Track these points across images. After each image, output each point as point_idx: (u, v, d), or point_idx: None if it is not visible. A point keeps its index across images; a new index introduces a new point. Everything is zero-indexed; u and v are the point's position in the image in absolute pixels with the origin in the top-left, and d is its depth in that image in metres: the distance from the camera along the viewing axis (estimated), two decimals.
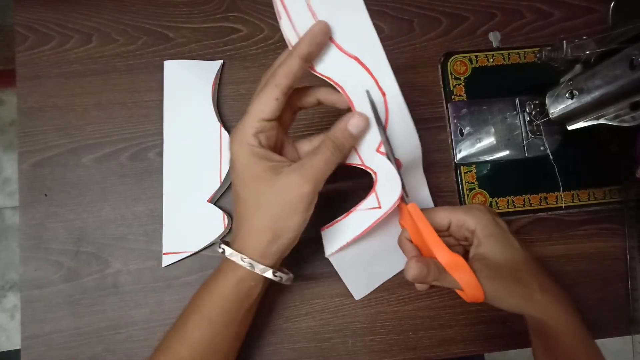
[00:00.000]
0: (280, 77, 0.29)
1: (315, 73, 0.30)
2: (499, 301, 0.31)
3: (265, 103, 0.29)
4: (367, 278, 0.40)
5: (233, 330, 0.32)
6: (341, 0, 0.28)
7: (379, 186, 0.33)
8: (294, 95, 0.32)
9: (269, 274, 0.31)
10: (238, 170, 0.30)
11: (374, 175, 0.33)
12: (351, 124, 0.30)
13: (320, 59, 0.29)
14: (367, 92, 0.30)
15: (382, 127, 0.31)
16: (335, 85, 0.31)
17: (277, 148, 0.32)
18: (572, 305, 0.32)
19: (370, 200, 0.33)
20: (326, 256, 0.35)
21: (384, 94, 0.30)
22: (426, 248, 0.32)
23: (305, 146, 0.34)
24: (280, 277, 0.32)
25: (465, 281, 0.30)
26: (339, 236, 0.35)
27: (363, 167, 0.33)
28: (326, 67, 0.30)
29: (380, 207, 0.33)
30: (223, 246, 0.31)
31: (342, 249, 0.35)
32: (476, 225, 0.32)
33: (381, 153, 0.32)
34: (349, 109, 0.32)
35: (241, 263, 0.30)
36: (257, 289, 0.32)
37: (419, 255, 0.33)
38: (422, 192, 0.41)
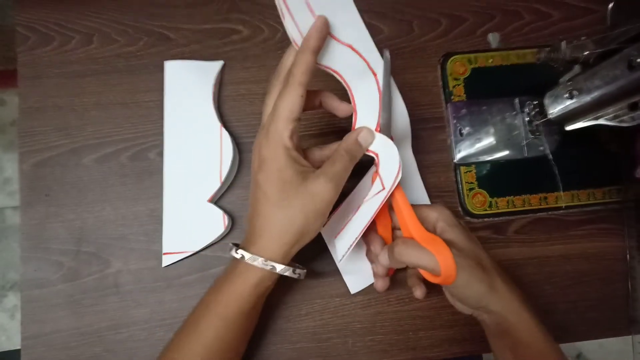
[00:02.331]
0: (300, 74, 0.30)
1: (317, 65, 0.32)
2: (467, 287, 0.31)
3: (294, 102, 0.30)
4: (364, 272, 0.40)
5: (245, 327, 0.34)
6: None
7: (381, 167, 0.33)
8: None
9: (289, 272, 0.32)
10: (271, 173, 0.30)
11: (375, 157, 0.33)
12: (361, 136, 0.33)
13: (321, 51, 0.31)
14: (386, 51, 0.32)
15: (388, 94, 0.32)
16: (333, 73, 0.33)
17: (298, 151, 0.33)
18: (529, 302, 0.33)
19: (375, 186, 0.33)
20: (338, 262, 0.35)
21: (375, 74, 0.33)
22: (404, 227, 0.33)
23: (315, 154, 0.35)
24: (299, 273, 0.33)
25: (441, 253, 0.30)
26: (349, 235, 0.34)
27: (366, 153, 0.34)
28: (326, 58, 0.32)
29: (384, 189, 0.32)
30: (241, 252, 0.32)
31: (352, 246, 0.33)
32: (439, 216, 0.34)
33: (379, 132, 0.33)
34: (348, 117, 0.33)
35: (262, 266, 0.31)
36: (272, 286, 0.34)
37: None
38: (411, 170, 0.42)
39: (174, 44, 0.43)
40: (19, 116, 0.41)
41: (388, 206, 0.35)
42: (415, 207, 0.34)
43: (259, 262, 0.31)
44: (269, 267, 0.31)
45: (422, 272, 0.32)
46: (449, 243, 0.31)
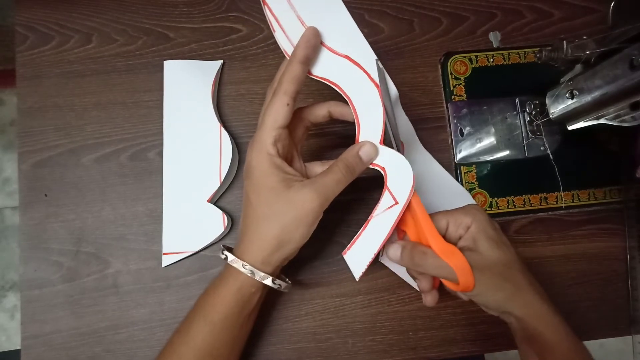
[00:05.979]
0: (286, 83, 0.30)
1: (313, 77, 0.32)
2: (485, 295, 0.31)
3: (278, 111, 0.30)
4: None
5: (233, 334, 0.33)
6: (325, 7, 0.30)
7: (390, 181, 0.32)
8: (305, 111, 0.34)
9: (268, 281, 0.32)
10: (254, 179, 0.31)
11: (382, 172, 0.33)
12: (362, 151, 0.32)
13: (316, 62, 0.32)
14: (376, 60, 0.31)
15: (389, 99, 0.32)
16: (332, 85, 0.32)
17: (288, 161, 0.33)
18: (557, 307, 0.33)
19: (385, 200, 0.32)
20: (357, 280, 0.33)
21: (377, 86, 0.32)
22: (423, 238, 0.32)
23: (317, 168, 0.35)
24: (279, 284, 0.33)
25: (458, 266, 0.30)
26: (364, 252, 0.32)
27: (370, 167, 0.33)
28: (322, 69, 0.32)
29: (397, 203, 0.31)
30: (225, 252, 0.32)
31: (370, 264, 0.32)
32: (473, 222, 0.32)
33: (384, 145, 0.32)
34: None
35: (242, 270, 0.31)
36: (257, 295, 0.33)
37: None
38: (436, 168, 0.41)
39: (173, 43, 0.42)
40: (18, 116, 0.40)
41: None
42: (449, 211, 0.33)
43: (239, 264, 0.31)
44: (248, 272, 0.31)
45: (442, 279, 0.32)
46: (475, 250, 0.31)
